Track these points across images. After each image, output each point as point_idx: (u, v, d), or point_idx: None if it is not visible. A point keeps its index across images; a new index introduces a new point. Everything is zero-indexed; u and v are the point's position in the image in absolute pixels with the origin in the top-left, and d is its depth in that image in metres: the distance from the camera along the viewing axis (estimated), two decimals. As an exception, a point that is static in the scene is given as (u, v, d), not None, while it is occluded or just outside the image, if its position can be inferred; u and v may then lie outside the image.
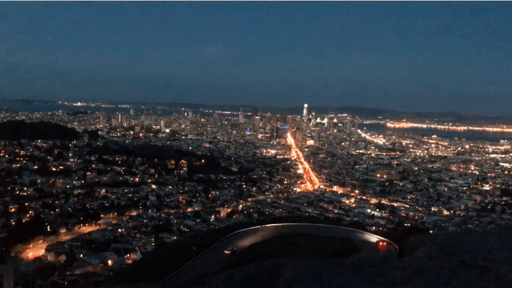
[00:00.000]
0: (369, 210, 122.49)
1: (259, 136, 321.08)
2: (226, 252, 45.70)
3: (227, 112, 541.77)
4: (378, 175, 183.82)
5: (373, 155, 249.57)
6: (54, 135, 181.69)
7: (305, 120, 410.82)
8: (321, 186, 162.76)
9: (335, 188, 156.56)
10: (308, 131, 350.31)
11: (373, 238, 52.59)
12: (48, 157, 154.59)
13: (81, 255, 73.97)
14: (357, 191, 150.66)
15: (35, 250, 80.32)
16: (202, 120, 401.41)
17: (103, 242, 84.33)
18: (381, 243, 48.48)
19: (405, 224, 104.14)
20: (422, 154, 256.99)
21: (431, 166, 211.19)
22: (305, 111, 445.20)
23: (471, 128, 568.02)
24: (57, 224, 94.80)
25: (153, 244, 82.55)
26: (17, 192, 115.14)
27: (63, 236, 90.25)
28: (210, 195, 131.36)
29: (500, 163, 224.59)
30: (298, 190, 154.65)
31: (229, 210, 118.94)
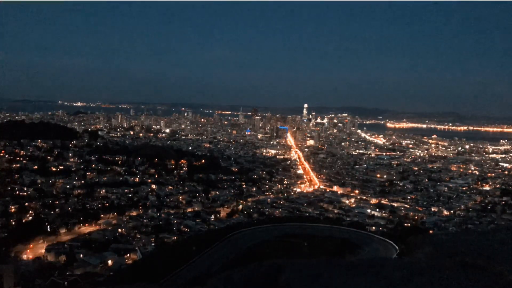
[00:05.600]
0: (369, 210, 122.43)
1: (259, 136, 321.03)
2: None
3: (227, 112, 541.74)
4: (378, 175, 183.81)
5: (373, 155, 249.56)
6: (54, 135, 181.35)
7: (305, 120, 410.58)
8: (321, 186, 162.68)
9: (335, 188, 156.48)
10: (308, 131, 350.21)
11: (374, 238, 52.65)
12: (48, 157, 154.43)
13: (81, 255, 73.91)
14: (357, 191, 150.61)
15: (35, 250, 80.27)
16: (202, 120, 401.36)
17: (103, 242, 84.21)
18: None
19: (405, 224, 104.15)
20: (422, 154, 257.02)
21: (431, 166, 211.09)
22: (305, 111, 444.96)
23: (471, 128, 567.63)
24: (57, 224, 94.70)
25: (153, 244, 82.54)
26: (17, 192, 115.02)
27: (63, 236, 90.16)
28: (210, 195, 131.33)
29: (500, 163, 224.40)
30: (298, 190, 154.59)
31: (229, 210, 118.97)
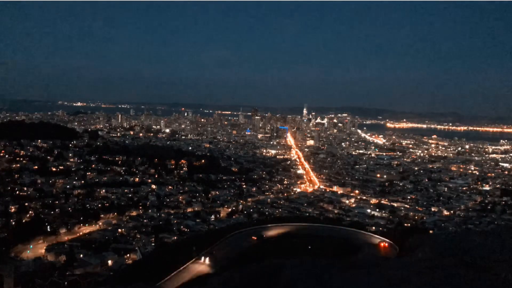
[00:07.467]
0: (369, 210, 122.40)
1: (259, 136, 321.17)
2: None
3: (227, 112, 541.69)
4: (378, 175, 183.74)
5: (373, 155, 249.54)
6: (54, 135, 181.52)
7: (305, 120, 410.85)
8: (321, 186, 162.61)
9: (335, 188, 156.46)
10: (308, 131, 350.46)
11: (374, 238, 52.67)
12: (48, 157, 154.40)
13: (81, 255, 73.81)
14: (357, 191, 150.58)
15: (35, 250, 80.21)
16: (202, 120, 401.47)
17: (103, 242, 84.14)
18: (382, 244, 48.83)
19: (405, 224, 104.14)
20: (422, 154, 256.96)
21: (431, 166, 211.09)
22: (305, 111, 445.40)
23: (471, 128, 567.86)
24: (57, 224, 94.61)
25: (153, 244, 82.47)
26: (17, 192, 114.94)
27: (63, 236, 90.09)
28: (210, 195, 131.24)
29: (500, 163, 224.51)
30: (298, 190, 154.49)
31: (229, 210, 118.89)
